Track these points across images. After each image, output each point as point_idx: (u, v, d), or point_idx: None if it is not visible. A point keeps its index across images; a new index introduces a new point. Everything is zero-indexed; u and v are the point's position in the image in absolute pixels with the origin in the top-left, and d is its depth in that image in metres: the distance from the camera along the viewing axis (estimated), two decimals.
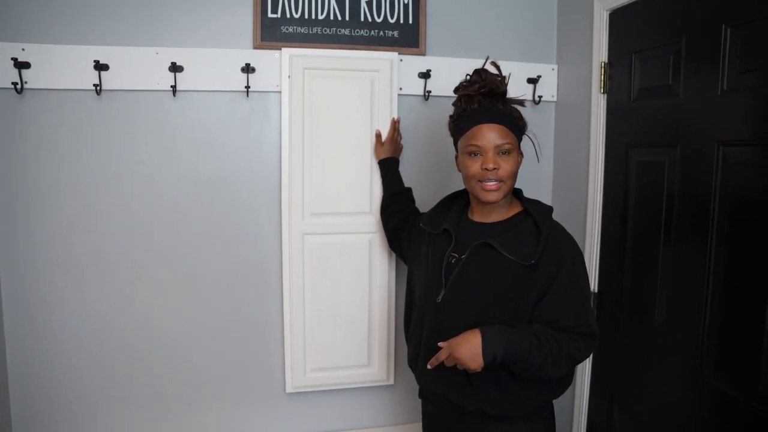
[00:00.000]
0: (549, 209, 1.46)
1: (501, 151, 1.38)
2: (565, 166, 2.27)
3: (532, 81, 2.25)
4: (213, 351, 2.13)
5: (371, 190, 2.09)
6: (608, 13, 1.99)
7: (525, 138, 1.50)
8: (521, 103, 1.48)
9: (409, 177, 2.08)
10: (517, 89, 2.18)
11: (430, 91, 2.16)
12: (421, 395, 1.64)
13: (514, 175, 1.40)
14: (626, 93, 1.92)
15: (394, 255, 2.14)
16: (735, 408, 1.49)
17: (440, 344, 1.34)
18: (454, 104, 1.51)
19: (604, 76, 2.01)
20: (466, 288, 1.40)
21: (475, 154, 1.40)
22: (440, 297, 1.42)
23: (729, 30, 1.52)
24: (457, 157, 1.52)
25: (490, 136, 1.38)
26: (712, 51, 1.56)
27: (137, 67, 1.95)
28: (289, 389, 2.14)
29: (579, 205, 2.13)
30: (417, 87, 2.16)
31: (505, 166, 1.38)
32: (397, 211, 1.93)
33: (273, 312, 2.15)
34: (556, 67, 2.29)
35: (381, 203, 2.02)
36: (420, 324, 1.53)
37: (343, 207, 2.09)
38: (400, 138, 2.09)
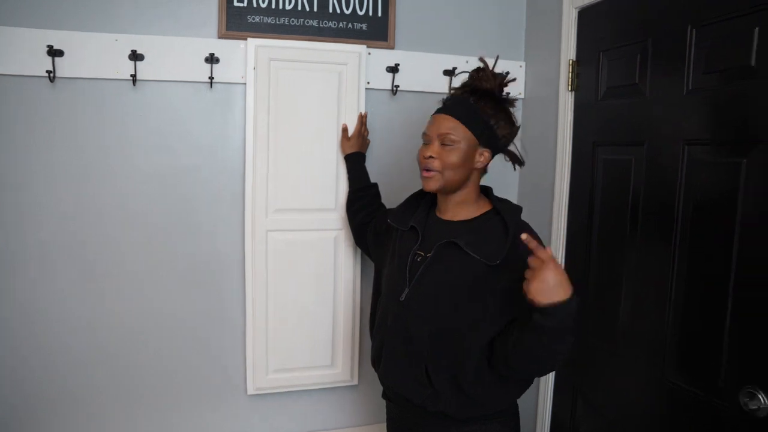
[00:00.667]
0: (518, 209, 1.45)
1: (445, 142, 1.39)
2: (532, 163, 2.27)
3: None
4: (172, 350, 2.07)
5: (337, 186, 2.07)
6: (577, 11, 2.01)
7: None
8: (511, 103, 1.46)
9: (376, 173, 2.07)
10: None
11: (398, 86, 2.15)
12: (384, 396, 1.63)
13: (454, 168, 1.39)
14: (594, 91, 1.94)
15: (359, 252, 2.13)
16: (696, 403, 1.53)
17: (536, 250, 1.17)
18: None
19: (572, 74, 2.03)
20: (430, 287, 1.40)
21: (425, 143, 1.45)
22: (404, 295, 1.42)
23: (694, 31, 1.55)
24: None
25: (437, 125, 1.42)
26: (677, 51, 1.60)
27: (95, 55, 1.88)
28: (250, 391, 2.10)
29: (545, 203, 2.15)
30: (385, 81, 2.15)
31: (445, 156, 1.39)
32: (364, 206, 1.91)
33: (235, 310, 2.10)
34: (524, 64, 2.31)
35: (347, 199, 1.99)
36: (384, 322, 1.51)
37: (309, 203, 2.06)
38: (367, 133, 2.08)
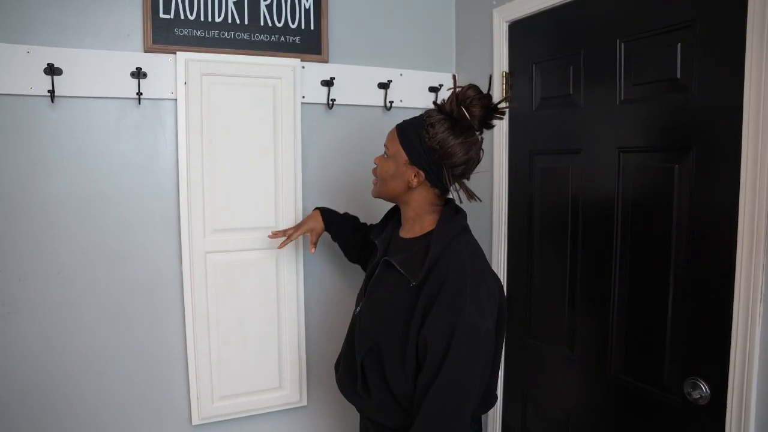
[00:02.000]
0: (452, 230, 1.39)
1: (384, 154, 1.48)
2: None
3: (434, 89, 2.33)
4: (112, 382, 1.95)
5: (276, 202, 2.05)
6: (508, 24, 2.11)
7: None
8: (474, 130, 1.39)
9: (313, 188, 2.07)
10: (419, 97, 2.29)
11: (334, 100, 2.16)
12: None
13: (384, 180, 1.46)
14: (528, 102, 2.04)
15: (302, 270, 2.12)
16: (643, 398, 1.64)
17: None
18: None
19: (506, 85, 2.12)
20: (372, 301, 1.46)
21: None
22: (358, 308, 1.52)
23: (623, 45, 1.67)
24: None
25: (386, 138, 1.49)
26: (608, 64, 1.71)
27: (4, 68, 1.75)
28: (195, 421, 2.02)
29: (484, 211, 2.22)
30: (320, 95, 2.15)
31: (380, 166, 1.49)
32: (362, 240, 1.87)
33: (174, 337, 2.02)
34: (455, 75, 2.38)
35: (346, 250, 1.93)
36: (350, 330, 1.58)
37: (248, 222, 2.03)
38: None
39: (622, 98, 1.68)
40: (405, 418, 1.37)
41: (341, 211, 1.93)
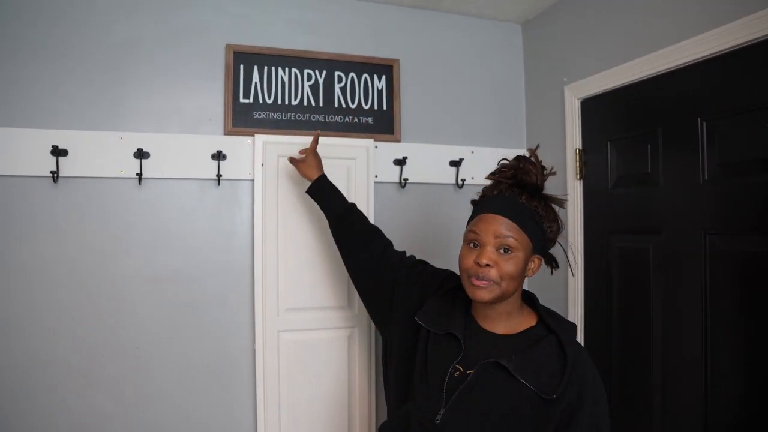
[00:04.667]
0: (572, 327, 1.33)
1: (502, 248, 1.25)
2: None
3: None
4: None
5: (349, 282, 2.10)
6: (580, 101, 2.16)
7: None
8: (560, 203, 1.35)
9: None
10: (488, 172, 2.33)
11: (406, 179, 2.24)
12: None
13: (513, 279, 1.26)
14: (603, 179, 2.06)
15: (375, 350, 2.15)
16: None
17: None
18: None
19: (579, 162, 2.16)
20: (471, 411, 1.24)
21: (474, 245, 1.29)
22: (439, 416, 1.25)
23: (704, 124, 1.68)
24: None
25: (493, 227, 1.26)
26: (689, 142, 1.72)
27: (99, 153, 1.93)
28: None
29: (559, 293, 2.21)
30: (393, 174, 2.25)
31: (503, 265, 1.25)
32: (365, 241, 1.72)
33: (246, 414, 2.07)
34: (526, 152, 2.43)
35: (334, 228, 1.79)
36: None
37: (321, 301, 2.10)
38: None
39: (706, 177, 1.67)
40: None
41: None
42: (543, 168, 1.35)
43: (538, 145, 1.43)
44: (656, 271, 1.84)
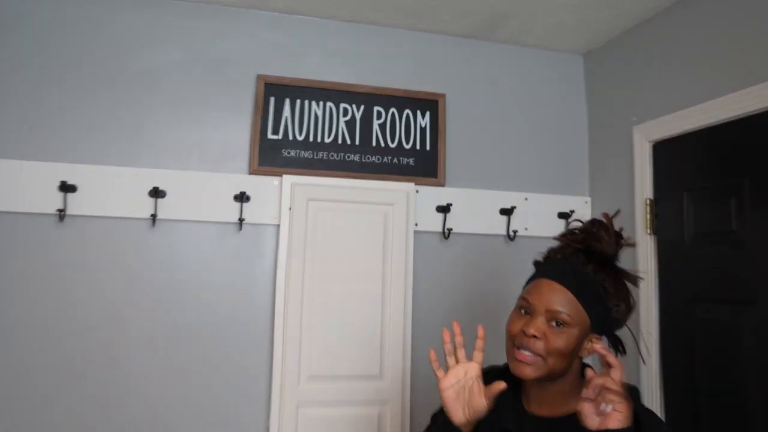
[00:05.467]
0: (655, 418, 1.17)
1: (554, 320, 1.14)
2: None
3: (564, 215, 2.15)
4: None
5: (381, 348, 1.88)
6: (651, 144, 1.92)
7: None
8: (633, 280, 1.19)
9: (424, 327, 1.90)
10: (546, 225, 2.10)
11: (450, 229, 2.03)
12: None
13: (562, 356, 1.13)
14: (679, 235, 1.80)
15: None
16: None
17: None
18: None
19: (650, 214, 1.90)
20: None
21: (525, 312, 1.18)
22: None
23: None
24: None
25: (547, 296, 1.15)
26: None
27: (111, 190, 1.79)
28: None
29: (630, 376, 1.92)
30: (435, 222, 2.03)
31: (552, 339, 1.13)
32: None
33: None
34: (589, 200, 2.20)
35: None
36: None
37: (348, 369, 1.87)
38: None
39: None
40: None
41: None
42: (619, 236, 1.18)
43: (618, 211, 1.23)
44: (752, 350, 1.55)
